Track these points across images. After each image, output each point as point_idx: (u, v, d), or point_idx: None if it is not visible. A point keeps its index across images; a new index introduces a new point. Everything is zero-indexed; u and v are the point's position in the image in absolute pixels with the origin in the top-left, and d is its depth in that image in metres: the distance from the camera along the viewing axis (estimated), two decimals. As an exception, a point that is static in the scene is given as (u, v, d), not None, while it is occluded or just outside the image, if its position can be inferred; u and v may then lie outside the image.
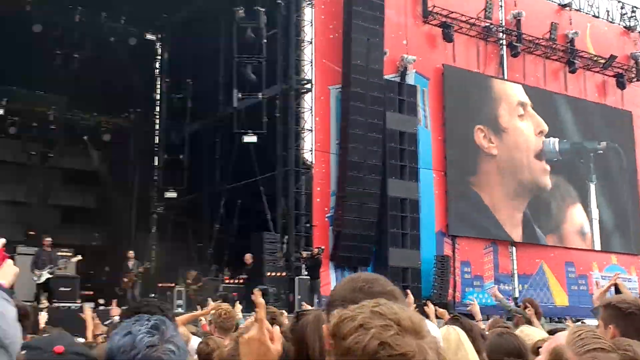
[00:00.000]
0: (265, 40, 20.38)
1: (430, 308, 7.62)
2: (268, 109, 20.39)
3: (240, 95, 21.09)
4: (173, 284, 19.30)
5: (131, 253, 18.93)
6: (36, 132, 22.36)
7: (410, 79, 21.58)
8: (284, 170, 19.91)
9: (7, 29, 20.37)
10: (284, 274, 18.58)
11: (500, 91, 23.80)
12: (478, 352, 3.49)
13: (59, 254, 17.89)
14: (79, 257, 18.16)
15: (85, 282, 19.43)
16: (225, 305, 6.51)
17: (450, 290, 20.89)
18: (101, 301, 18.20)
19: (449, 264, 20.92)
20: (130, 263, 18.68)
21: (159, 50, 25.29)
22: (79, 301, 17.96)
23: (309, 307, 12.02)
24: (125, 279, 18.54)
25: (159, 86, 25.22)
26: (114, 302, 12.34)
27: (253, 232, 19.35)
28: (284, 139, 20.09)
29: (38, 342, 2.25)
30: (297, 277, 18.47)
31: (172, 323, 2.14)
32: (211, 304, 7.90)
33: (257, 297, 2.24)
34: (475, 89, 23.10)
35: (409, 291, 7.83)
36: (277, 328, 2.29)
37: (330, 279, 19.22)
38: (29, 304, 15.39)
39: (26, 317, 4.07)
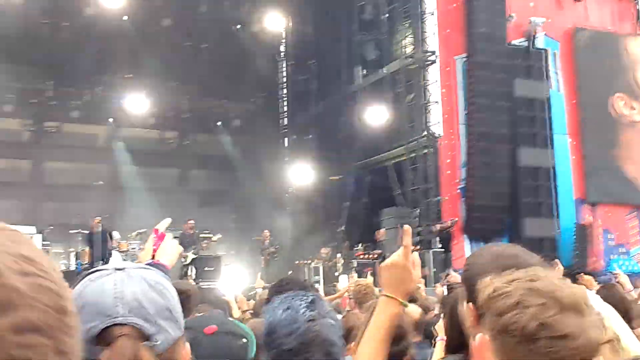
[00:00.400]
0: (386, 15, 20.28)
1: (587, 279, 7.18)
2: (392, 84, 20.30)
3: (364, 72, 21.14)
4: (308, 261, 19.72)
5: (266, 232, 19.47)
6: (172, 122, 23.43)
7: (540, 43, 20.75)
8: (411, 145, 19.79)
9: (140, 21, 21.44)
10: (416, 247, 18.52)
11: (638, 52, 22.42)
12: (629, 321, 3.33)
13: (201, 235, 18.69)
14: (219, 236, 18.88)
15: (225, 262, 20.24)
16: (364, 281, 6.53)
17: (592, 259, 20.05)
18: (244, 279, 18.88)
19: (589, 232, 20.07)
20: (266, 242, 19.22)
21: (282, 35, 25.72)
22: (224, 280, 18.78)
23: (457, 279, 11.91)
24: (262, 257, 19.08)
25: (283, 69, 25.68)
26: (258, 274, 12.80)
27: (383, 208, 19.39)
28: (410, 113, 19.95)
29: (191, 323, 2.30)
30: (429, 251, 18.37)
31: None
32: (344, 281, 7.90)
33: (406, 228, 2.24)
34: (610, 51, 21.84)
35: (557, 261, 7.52)
36: (416, 256, 2.27)
37: (464, 252, 18.94)
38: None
39: (188, 298, 4.19)
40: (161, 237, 2.66)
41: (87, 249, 17.96)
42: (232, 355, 2.13)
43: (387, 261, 2.21)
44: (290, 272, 20.86)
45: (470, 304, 1.74)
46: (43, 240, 17.38)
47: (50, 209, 22.03)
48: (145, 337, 1.24)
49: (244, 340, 2.23)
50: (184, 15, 22.26)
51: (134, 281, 1.28)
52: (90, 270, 1.34)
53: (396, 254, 2.22)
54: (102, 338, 1.23)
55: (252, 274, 18.36)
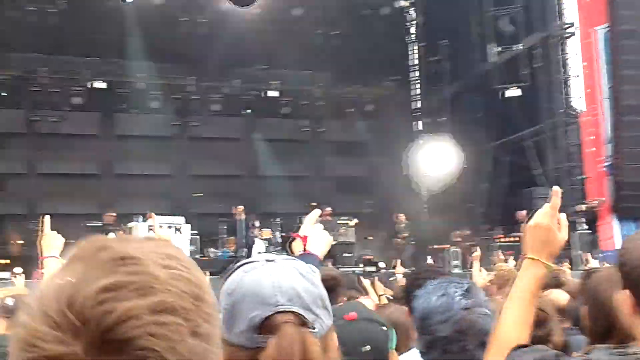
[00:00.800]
0: (521, -13, 19.60)
1: None
2: (529, 59, 19.59)
3: (499, 49, 20.54)
4: (447, 246, 19.51)
5: (402, 216, 19.42)
6: (306, 110, 23.86)
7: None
8: (551, 122, 19.04)
9: (272, 12, 21.93)
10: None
11: None
12: None
13: (339, 222, 18.96)
14: (356, 221, 19.08)
15: (363, 247, 20.45)
16: (506, 266, 6.38)
17: None
18: (382, 264, 18.99)
19: None
20: (402, 225, 19.17)
21: (413, 16, 25.43)
22: (361, 265, 18.99)
23: (596, 264, 11.42)
24: (397, 241, 19.06)
25: (415, 51, 25.41)
26: (398, 262, 12.89)
27: (523, 189, 18.81)
28: (549, 89, 19.18)
29: (332, 309, 2.36)
30: (574, 232, 17.62)
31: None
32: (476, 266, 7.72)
33: (556, 188, 2.15)
34: None
35: None
36: (563, 217, 2.18)
37: (612, 233, 18.01)
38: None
39: (336, 284, 4.27)
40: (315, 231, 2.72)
41: (231, 237, 18.73)
42: (373, 341, 2.15)
43: (532, 221, 2.14)
44: (427, 257, 20.77)
45: (628, 291, 1.66)
46: (191, 230, 18.28)
47: (196, 199, 23.12)
48: (305, 325, 1.29)
49: (384, 328, 2.23)
50: (314, 3, 22.50)
51: (287, 272, 1.33)
52: (240, 263, 1.40)
53: (541, 213, 2.14)
54: (265, 327, 1.28)
55: (388, 259, 18.44)
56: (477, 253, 7.81)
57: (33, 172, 22.20)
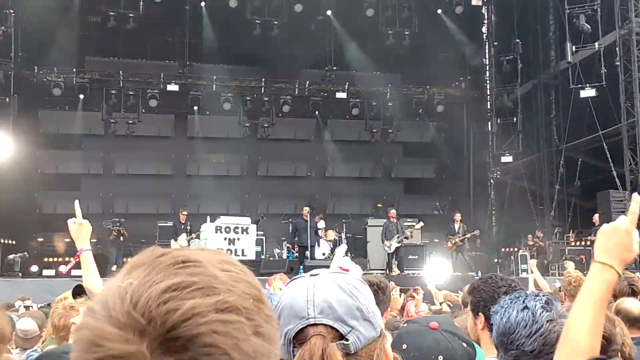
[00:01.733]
0: (598, -15, 18.97)
1: None
2: (606, 58, 18.93)
3: (574, 48, 19.94)
4: (516, 249, 19.07)
5: (458, 216, 19.05)
6: (376, 110, 23.78)
7: None
8: (629, 122, 18.34)
9: (342, 14, 22.00)
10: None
11: None
12: None
13: (405, 224, 18.81)
14: (422, 224, 18.89)
15: (431, 250, 20.23)
16: (575, 273, 6.14)
17: None
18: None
19: None
20: (457, 226, 18.79)
21: (486, 15, 25.00)
22: (424, 267, 18.81)
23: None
24: (450, 243, 18.67)
25: (487, 51, 24.97)
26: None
27: (598, 191, 18.20)
28: (626, 89, 18.48)
29: (420, 319, 2.44)
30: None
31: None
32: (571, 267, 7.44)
33: (636, 195, 2.07)
34: None
35: None
36: (636, 233, 2.08)
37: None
38: (380, 273, 16.57)
39: (379, 290, 4.26)
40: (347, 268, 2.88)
41: (297, 238, 18.85)
42: (447, 353, 2.15)
43: (609, 226, 2.04)
44: (496, 260, 20.39)
45: None
46: (258, 230, 18.52)
47: (264, 200, 23.42)
48: (338, 336, 1.31)
49: (465, 345, 2.21)
50: (386, 3, 22.42)
51: (325, 285, 1.35)
52: (292, 278, 1.45)
53: (620, 219, 2.06)
54: (298, 339, 1.32)
55: (456, 263, 18.18)
56: (533, 261, 7.55)
57: (109, 172, 22.99)
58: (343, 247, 3.06)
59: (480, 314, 2.84)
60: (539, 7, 22.43)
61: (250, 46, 21.88)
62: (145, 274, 0.83)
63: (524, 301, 2.13)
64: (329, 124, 24.45)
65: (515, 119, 22.49)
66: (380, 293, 4.06)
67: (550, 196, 21.19)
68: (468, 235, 18.49)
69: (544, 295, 2.15)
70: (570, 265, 7.52)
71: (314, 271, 1.41)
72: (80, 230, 3.55)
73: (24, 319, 5.46)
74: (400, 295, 6.73)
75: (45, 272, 17.51)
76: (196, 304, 0.80)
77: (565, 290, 5.84)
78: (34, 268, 17.71)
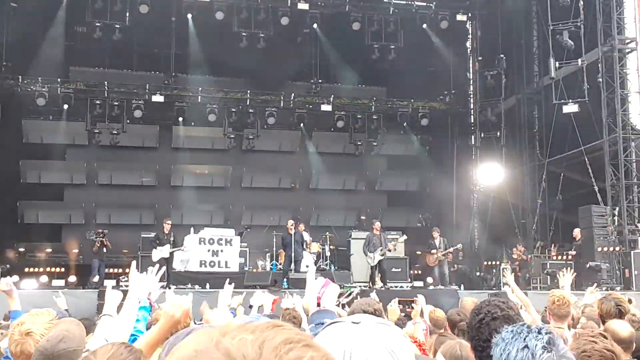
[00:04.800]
0: (581, 3, 19.19)
1: None
2: (589, 74, 19.15)
3: (557, 64, 20.14)
4: (498, 262, 19.16)
5: (436, 231, 19.12)
6: (360, 123, 23.84)
7: None
8: (611, 137, 18.54)
9: (328, 27, 22.12)
10: (617, 248, 17.31)
11: None
12: None
13: (389, 237, 18.83)
14: (405, 237, 18.91)
15: (413, 262, 20.29)
16: (559, 292, 6.12)
17: None
18: (430, 280, 18.79)
19: None
20: (437, 241, 18.84)
21: (470, 30, 25.21)
22: (409, 281, 18.84)
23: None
24: (431, 257, 18.71)
25: (472, 66, 25.16)
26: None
27: (580, 205, 18.35)
28: (608, 105, 18.70)
29: None
30: (632, 252, 17.10)
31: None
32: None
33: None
34: None
35: None
36: None
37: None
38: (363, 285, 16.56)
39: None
40: (326, 284, 2.89)
41: (281, 250, 18.85)
42: None
43: None
44: (479, 274, 20.48)
45: None
46: (241, 242, 18.49)
47: (248, 212, 23.41)
48: None
49: None
50: (372, 17, 22.54)
51: (366, 341, 1.32)
52: (330, 322, 1.43)
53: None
54: None
55: (438, 277, 18.21)
56: (509, 276, 7.40)
57: (92, 182, 22.90)
58: (312, 270, 3.06)
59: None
60: (523, 23, 22.67)
61: (236, 58, 21.92)
62: None
63: (525, 339, 2.08)
64: (313, 136, 24.51)
65: (498, 133, 22.67)
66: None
67: (533, 210, 21.33)
68: (451, 250, 18.54)
69: (546, 333, 2.09)
70: (566, 280, 7.35)
71: (356, 318, 1.36)
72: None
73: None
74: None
75: (25, 283, 17.34)
76: None
77: (550, 310, 5.81)
78: (14, 279, 17.53)
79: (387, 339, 1.31)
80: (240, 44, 21.62)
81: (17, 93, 20.90)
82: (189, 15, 21.46)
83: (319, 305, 2.84)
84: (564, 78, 20.00)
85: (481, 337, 2.82)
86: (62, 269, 20.03)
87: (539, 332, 2.06)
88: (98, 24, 20.66)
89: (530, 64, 22.36)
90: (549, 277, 17.38)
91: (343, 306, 10.54)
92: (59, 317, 3.71)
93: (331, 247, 19.88)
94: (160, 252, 16.99)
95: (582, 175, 19.05)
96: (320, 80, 23.50)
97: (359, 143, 24.01)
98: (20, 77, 20.82)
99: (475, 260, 22.07)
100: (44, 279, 18.10)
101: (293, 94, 23.43)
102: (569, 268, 16.23)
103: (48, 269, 19.62)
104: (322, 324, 2.51)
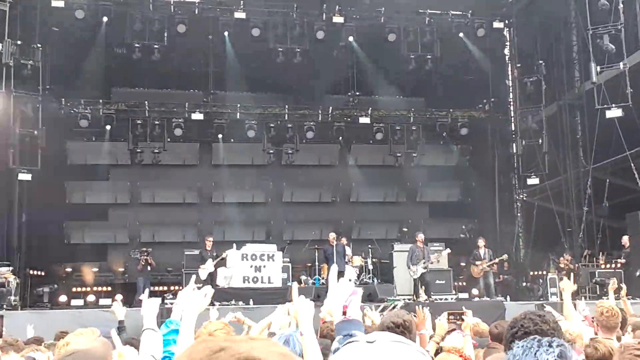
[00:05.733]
0: (621, 5, 18.84)
1: None
2: (631, 78, 18.77)
3: (598, 69, 19.81)
4: (544, 272, 18.83)
5: (482, 239, 18.90)
6: (399, 135, 23.73)
7: None
8: (656, 143, 18.14)
9: (364, 40, 22.11)
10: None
11: None
12: None
13: (432, 249, 18.70)
14: (449, 251, 18.76)
15: (457, 273, 20.09)
16: (607, 303, 5.97)
17: None
18: (475, 292, 18.57)
19: None
20: (481, 251, 18.63)
21: (508, 37, 24.94)
22: (453, 293, 18.63)
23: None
24: (475, 268, 18.48)
25: (511, 73, 24.88)
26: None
27: (627, 212, 17.96)
28: (653, 108, 18.30)
29: None
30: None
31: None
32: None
33: None
34: None
35: None
36: None
37: None
38: (407, 298, 16.42)
39: (407, 330, 4.21)
40: (353, 293, 2.85)
41: (323, 264, 18.83)
42: None
43: None
44: (525, 284, 20.15)
45: None
46: (283, 257, 18.50)
47: (289, 226, 23.45)
48: None
49: None
50: (408, 28, 22.47)
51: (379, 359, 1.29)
52: (346, 341, 1.39)
53: None
54: None
55: (483, 289, 17.97)
56: (568, 284, 7.09)
57: (135, 201, 23.21)
58: (334, 271, 3.02)
59: None
60: (561, 28, 22.36)
61: (273, 73, 22.07)
62: None
63: (535, 353, 2.00)
64: (352, 149, 24.48)
65: (540, 141, 22.30)
66: (406, 333, 4.03)
67: (578, 218, 20.92)
68: (496, 261, 18.31)
69: (557, 346, 2.03)
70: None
71: (370, 337, 1.33)
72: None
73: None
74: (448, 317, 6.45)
75: (74, 302, 17.63)
76: None
77: (598, 321, 5.67)
78: (63, 298, 17.86)
79: (401, 357, 1.27)
80: (277, 59, 21.73)
81: (61, 115, 21.31)
82: (226, 33, 21.65)
83: (344, 314, 2.79)
84: (606, 82, 19.64)
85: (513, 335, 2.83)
86: (109, 288, 20.32)
87: (550, 345, 2.00)
88: (137, 45, 20.99)
89: (571, 70, 22.02)
90: (597, 286, 17.02)
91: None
92: (102, 336, 3.72)
93: (374, 260, 19.79)
94: (205, 270, 17.13)
95: (629, 180, 18.64)
96: (357, 93, 23.44)
97: (399, 154, 23.87)
98: (63, 99, 21.25)
99: (520, 270, 21.74)
100: (91, 298, 18.37)
101: (331, 108, 23.43)
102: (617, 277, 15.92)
103: (95, 289, 19.92)
104: (351, 335, 2.49)
